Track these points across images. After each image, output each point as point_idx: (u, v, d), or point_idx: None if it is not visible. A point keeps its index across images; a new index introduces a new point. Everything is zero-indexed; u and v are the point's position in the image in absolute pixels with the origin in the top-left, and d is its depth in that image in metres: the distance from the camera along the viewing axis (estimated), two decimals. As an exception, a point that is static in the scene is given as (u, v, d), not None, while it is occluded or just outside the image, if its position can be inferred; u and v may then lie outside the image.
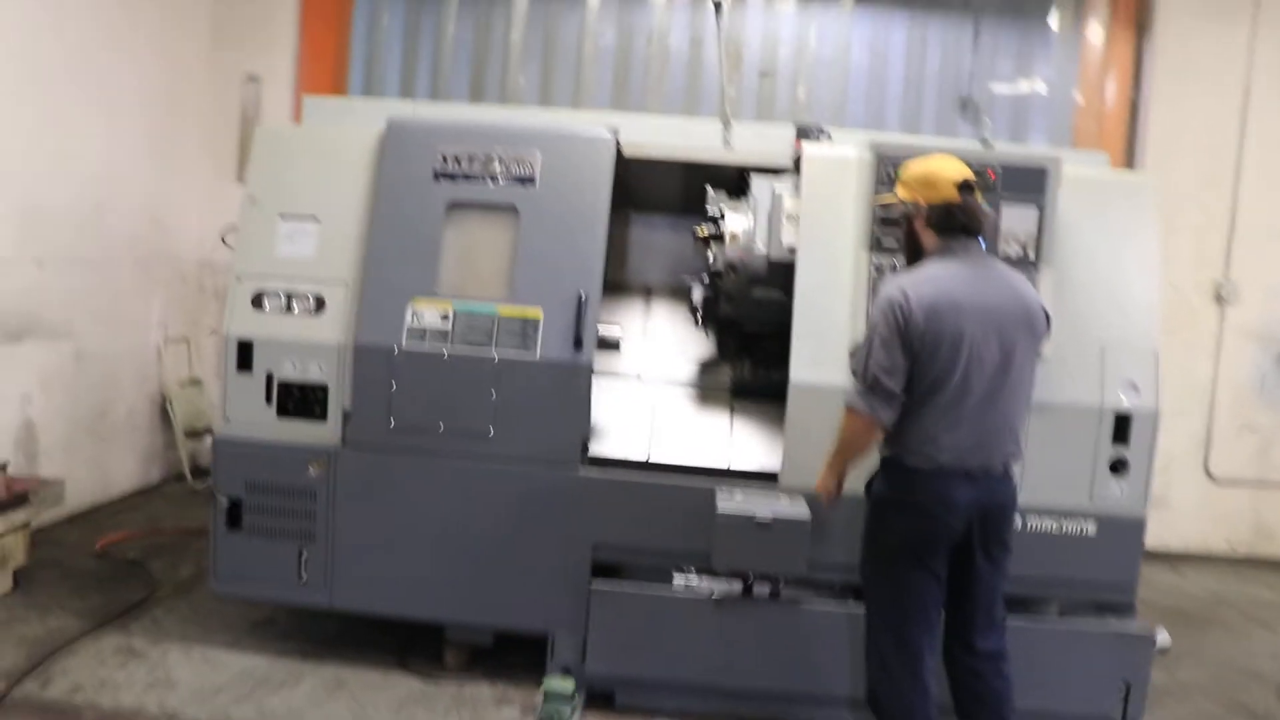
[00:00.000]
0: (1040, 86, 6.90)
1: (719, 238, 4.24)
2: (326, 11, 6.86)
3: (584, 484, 3.91)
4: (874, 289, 3.81)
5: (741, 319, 4.44)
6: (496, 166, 3.98)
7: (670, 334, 4.75)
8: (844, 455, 3.33)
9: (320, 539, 3.98)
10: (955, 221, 3.17)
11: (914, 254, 3.31)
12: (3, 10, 4.96)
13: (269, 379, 3.99)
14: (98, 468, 5.81)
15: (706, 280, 4.33)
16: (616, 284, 4.86)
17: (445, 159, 4.00)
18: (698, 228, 4.31)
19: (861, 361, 3.17)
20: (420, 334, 3.89)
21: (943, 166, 3.29)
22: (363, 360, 3.92)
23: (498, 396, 3.87)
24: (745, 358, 4.59)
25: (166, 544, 5.39)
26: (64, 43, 5.38)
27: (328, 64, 6.85)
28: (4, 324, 5.08)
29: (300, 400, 3.99)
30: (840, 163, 3.97)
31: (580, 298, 3.83)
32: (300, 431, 3.98)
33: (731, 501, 3.68)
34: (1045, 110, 6.91)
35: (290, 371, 3.98)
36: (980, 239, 3.22)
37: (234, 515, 4.01)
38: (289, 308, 4.00)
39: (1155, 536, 5.67)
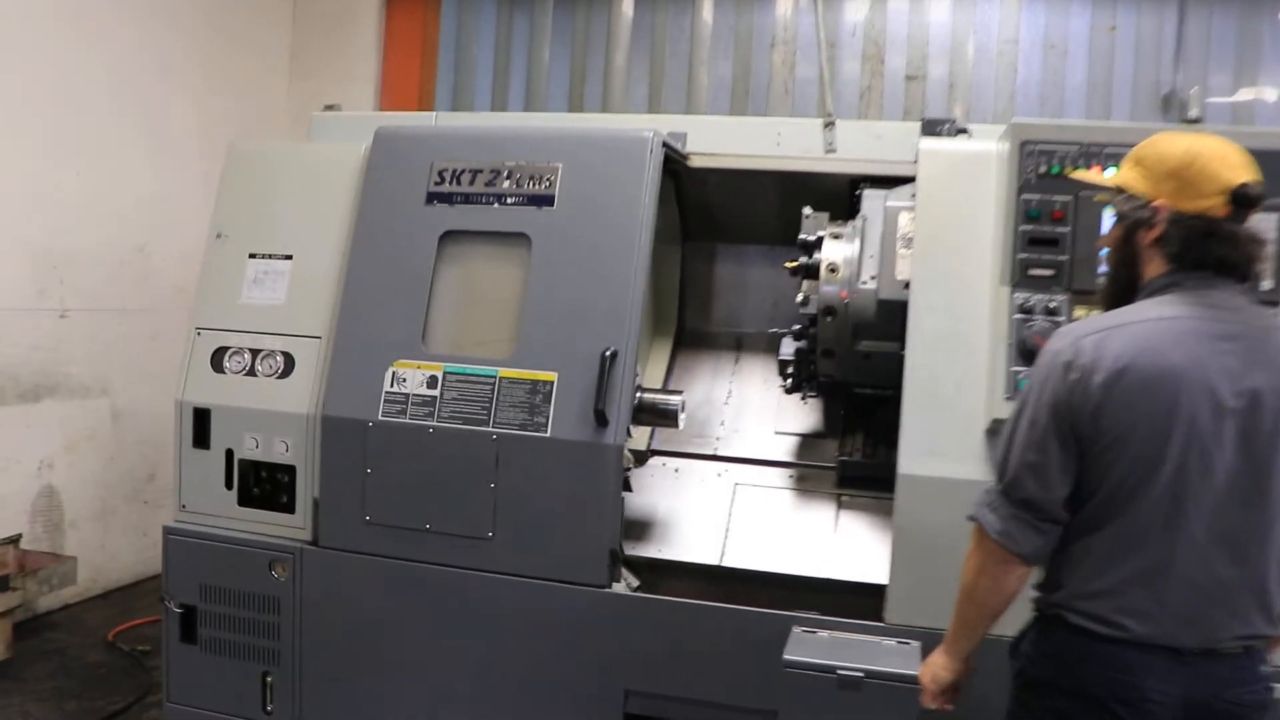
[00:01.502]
0: (1269, 93, 5.33)
1: (813, 271, 3.10)
2: (409, 33, 6.20)
3: (612, 607, 2.87)
4: (1020, 343, 2.58)
5: (847, 379, 3.28)
6: (505, 183, 3.02)
7: (764, 400, 3.62)
8: (969, 612, 2.11)
9: (286, 662, 3.10)
10: (1210, 252, 1.92)
11: (1122, 286, 2.05)
12: (38, 37, 4.47)
13: (229, 457, 3.15)
14: (143, 536, 5.19)
15: (799, 329, 3.19)
16: (698, 335, 3.82)
17: (442, 176, 3.08)
18: (790, 261, 3.20)
19: (1002, 454, 2.00)
20: (401, 403, 2.96)
21: (1215, 154, 1.92)
22: (331, 436, 3.03)
23: (498, 486, 2.88)
24: (856, 431, 3.40)
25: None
26: (109, 73, 4.92)
27: (412, 89, 6.18)
28: (17, 382, 4.52)
29: (266, 485, 3.12)
30: (971, 159, 2.80)
31: (605, 356, 2.77)
32: (265, 524, 3.14)
33: (808, 644, 2.53)
34: (1276, 118, 5.34)
35: (252, 449, 3.11)
36: (1236, 279, 1.95)
37: (188, 626, 3.18)
38: (253, 369, 3.15)
39: None
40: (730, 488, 3.36)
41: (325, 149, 3.33)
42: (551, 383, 2.87)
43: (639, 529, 3.27)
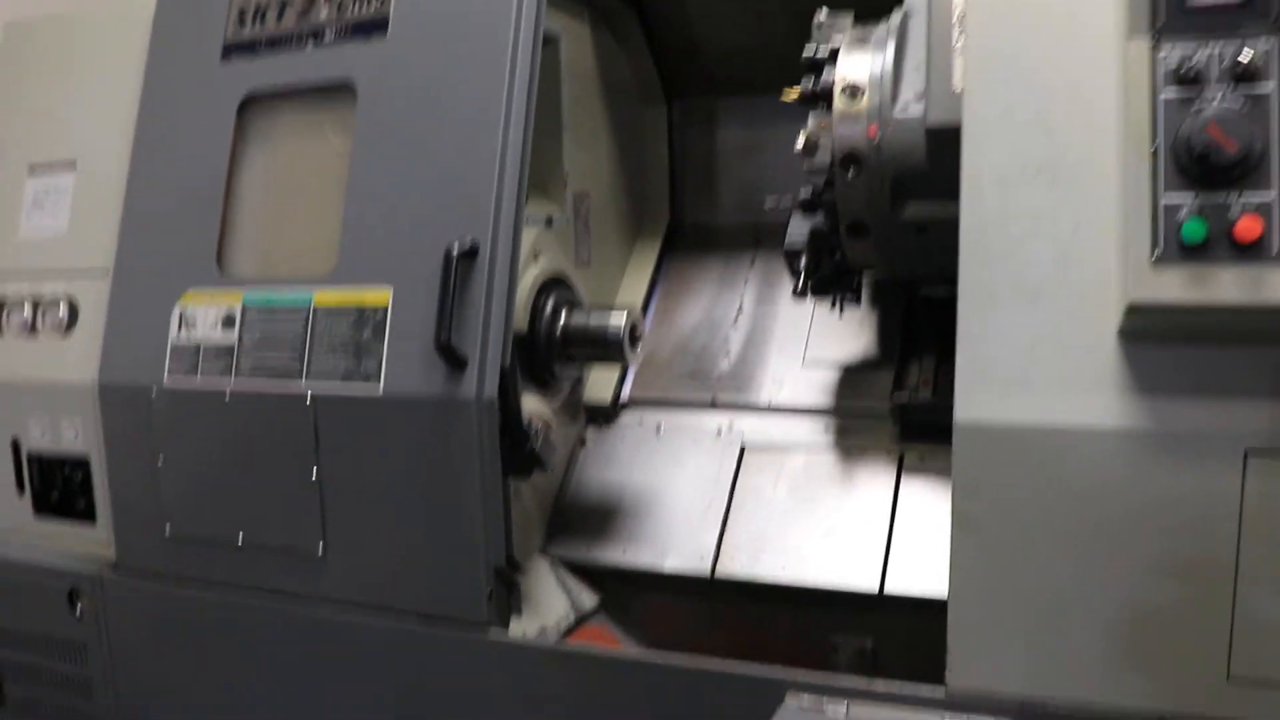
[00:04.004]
0: None
1: (823, 99, 1.88)
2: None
3: (497, 662, 1.77)
4: (1181, 144, 1.28)
5: (899, 272, 2.06)
6: (323, 11, 1.93)
7: (790, 317, 2.39)
8: None
9: (106, 730, 2.18)
10: None
11: None
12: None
13: (15, 450, 2.23)
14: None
15: (809, 197, 1.99)
16: (699, 232, 2.64)
17: (243, 17, 2.04)
18: (791, 90, 2.00)
19: None
20: (191, 356, 1.95)
21: None
22: (111, 413, 2.08)
23: (323, 475, 1.84)
24: (922, 355, 2.15)
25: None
26: None
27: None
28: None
29: (62, 486, 2.19)
30: None
31: (450, 255, 1.67)
32: (66, 539, 2.20)
33: None
34: None
35: (38, 437, 2.19)
36: None
37: (-11, 684, 2.31)
38: (34, 325, 2.21)
39: None
40: (735, 451, 2.21)
41: (111, 9, 2.32)
42: (384, 308, 1.79)
43: (600, 519, 2.19)
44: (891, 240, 1.92)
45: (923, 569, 1.87)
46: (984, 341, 1.48)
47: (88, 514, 2.17)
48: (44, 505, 2.23)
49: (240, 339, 1.92)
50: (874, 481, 2.06)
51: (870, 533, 1.98)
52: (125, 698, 2.15)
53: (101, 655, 2.15)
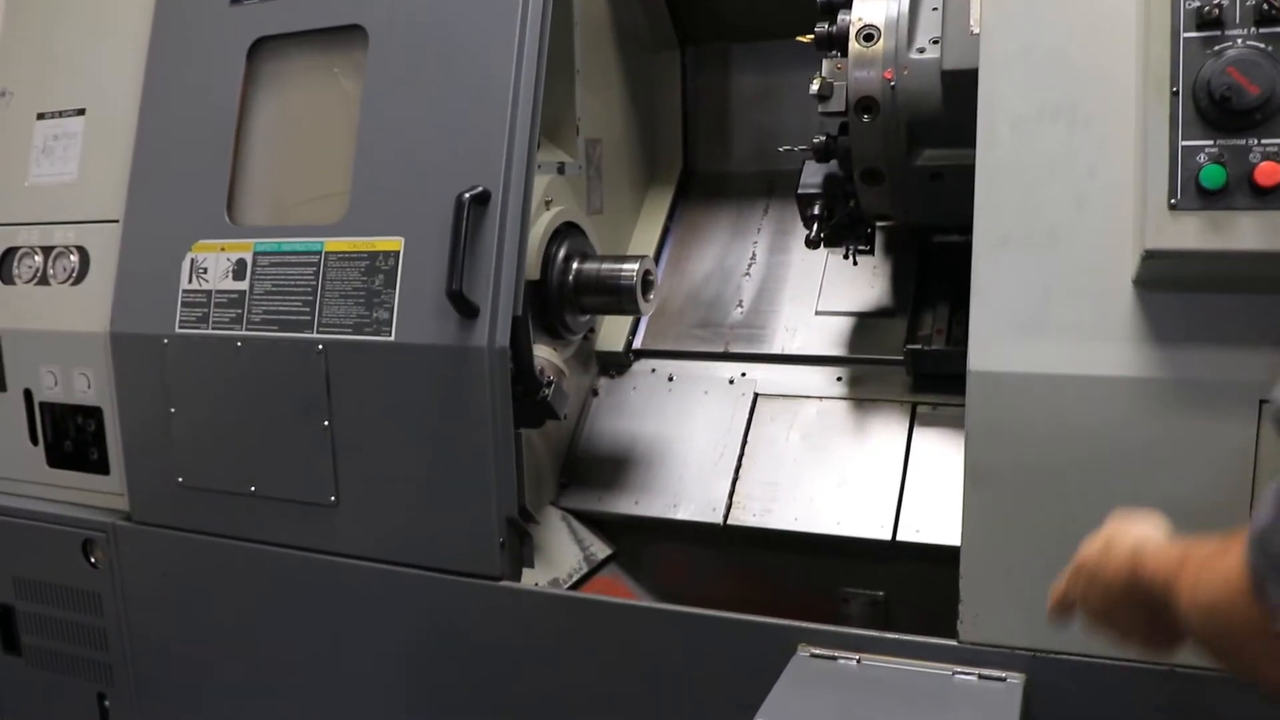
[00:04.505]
0: None
1: (839, 43, 1.88)
2: None
3: (511, 611, 1.81)
4: (1201, 86, 1.27)
5: (914, 219, 2.07)
6: (331, -48, 1.92)
7: (804, 267, 2.38)
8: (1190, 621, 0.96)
9: (123, 682, 2.24)
10: None
11: None
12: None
13: (28, 400, 2.27)
14: None
15: (823, 141, 1.98)
16: (712, 180, 2.62)
17: (250, -43, 2.00)
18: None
19: None
20: (203, 305, 1.97)
21: None
22: (124, 362, 2.11)
23: (335, 424, 1.86)
24: (936, 304, 2.16)
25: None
26: None
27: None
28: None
29: (75, 436, 2.22)
30: None
31: (462, 201, 1.67)
32: (79, 490, 2.26)
33: (812, 686, 1.44)
34: None
35: (51, 386, 2.22)
36: None
37: (7, 632, 2.37)
38: (45, 275, 2.23)
39: None
40: (748, 400, 2.22)
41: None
42: (395, 254, 1.80)
43: (612, 470, 2.22)
44: (906, 187, 1.92)
45: (935, 520, 1.89)
46: (998, 289, 1.48)
47: (101, 465, 2.19)
48: (57, 456, 2.26)
49: (251, 287, 1.93)
50: (887, 431, 2.08)
51: (883, 483, 2.00)
52: (139, 648, 2.20)
53: (116, 606, 2.19)
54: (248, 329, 1.93)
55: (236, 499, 1.99)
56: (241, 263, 1.95)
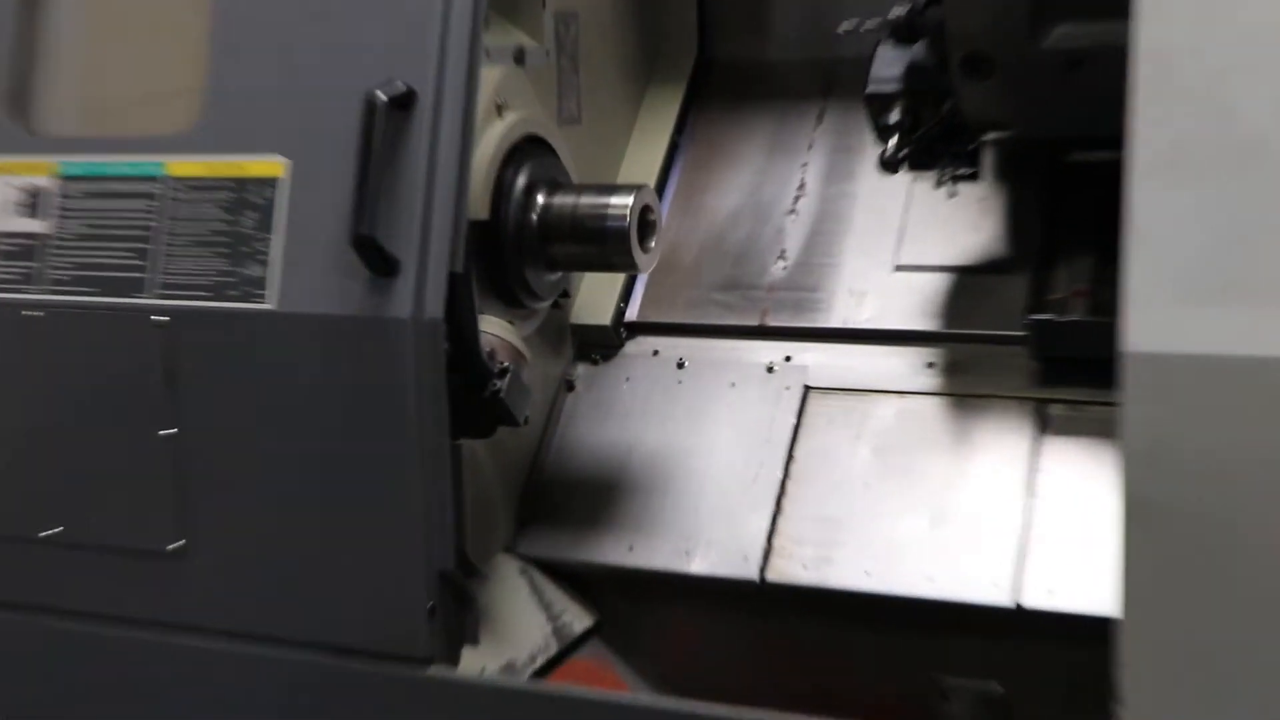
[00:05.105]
0: None
1: None
2: None
3: (446, 712, 1.94)
4: None
5: (1039, 130, 2.30)
6: None
7: (877, 196, 2.56)
8: None
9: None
10: None
11: None
12: None
13: None
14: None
15: (901, 15, 2.19)
16: (738, 72, 2.86)
17: None
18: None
19: None
20: (-16, 258, 2.15)
21: None
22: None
23: (183, 435, 1.97)
24: (1074, 255, 2.31)
25: None
26: None
27: None
28: None
29: None
30: None
31: (373, 103, 1.76)
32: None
33: None
34: None
35: None
36: None
37: None
38: None
39: None
40: (795, 396, 2.36)
41: None
42: (274, 181, 1.89)
43: (595, 500, 2.38)
44: (1028, 81, 2.04)
45: (1077, 577, 1.97)
46: (1169, 231, 1.48)
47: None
48: None
49: (54, 229, 2.03)
50: (1002, 443, 2.20)
51: (998, 521, 2.10)
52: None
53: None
54: (46, 292, 2.02)
55: (29, 548, 2.06)
56: (37, 191, 2.04)
